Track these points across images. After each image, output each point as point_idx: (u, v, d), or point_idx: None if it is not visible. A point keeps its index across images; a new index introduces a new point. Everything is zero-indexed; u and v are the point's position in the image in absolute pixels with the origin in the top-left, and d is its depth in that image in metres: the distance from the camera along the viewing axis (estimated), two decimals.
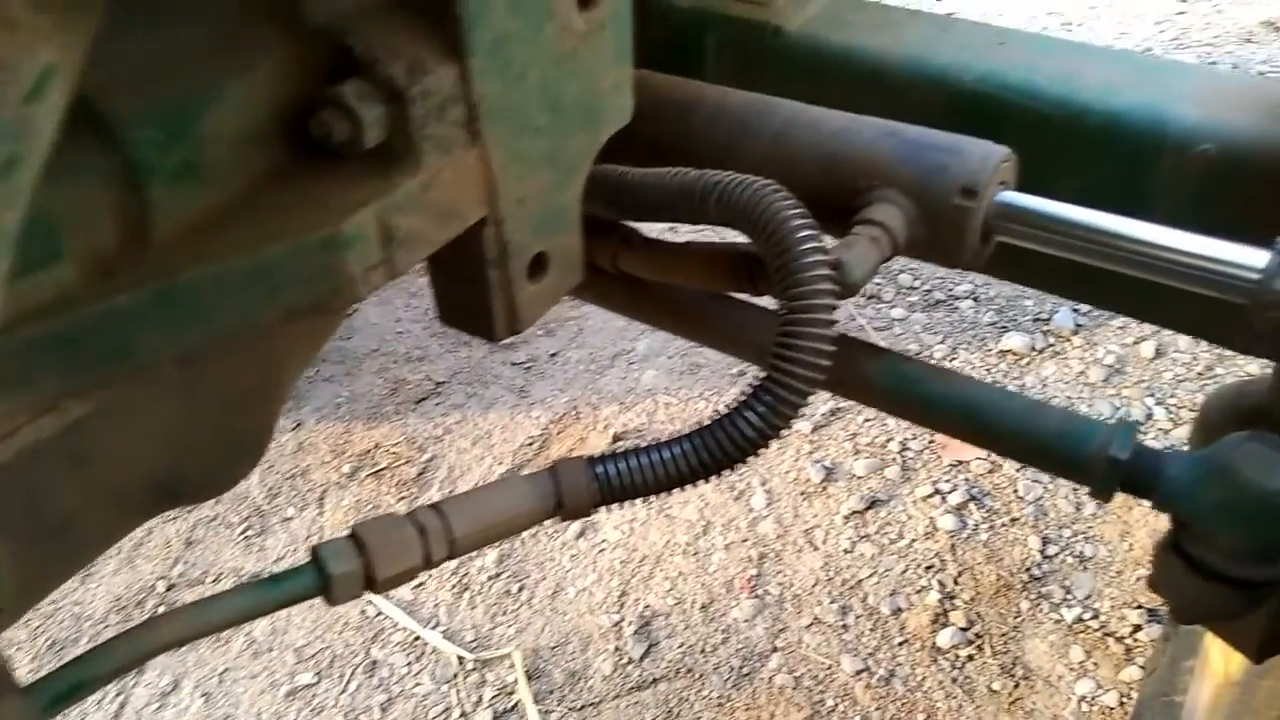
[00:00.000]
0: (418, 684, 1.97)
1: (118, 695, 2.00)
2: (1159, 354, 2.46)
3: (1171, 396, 2.36)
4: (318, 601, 0.69)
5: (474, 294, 0.77)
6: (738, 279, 0.87)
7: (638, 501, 0.78)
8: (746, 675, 1.93)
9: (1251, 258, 0.72)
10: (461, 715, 1.92)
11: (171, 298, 0.58)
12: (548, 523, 0.92)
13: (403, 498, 2.30)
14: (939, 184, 0.80)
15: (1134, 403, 2.36)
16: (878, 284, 2.76)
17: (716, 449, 0.75)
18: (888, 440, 2.34)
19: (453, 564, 2.13)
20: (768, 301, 0.84)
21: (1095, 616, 1.96)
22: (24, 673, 1.95)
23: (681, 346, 2.61)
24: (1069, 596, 2.00)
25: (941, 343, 2.57)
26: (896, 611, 2.01)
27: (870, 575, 2.08)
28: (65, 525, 0.71)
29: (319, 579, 0.66)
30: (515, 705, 1.93)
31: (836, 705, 1.88)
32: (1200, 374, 2.40)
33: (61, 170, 0.50)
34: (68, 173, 0.54)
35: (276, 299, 0.62)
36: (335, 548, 0.68)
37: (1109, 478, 0.79)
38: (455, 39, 0.63)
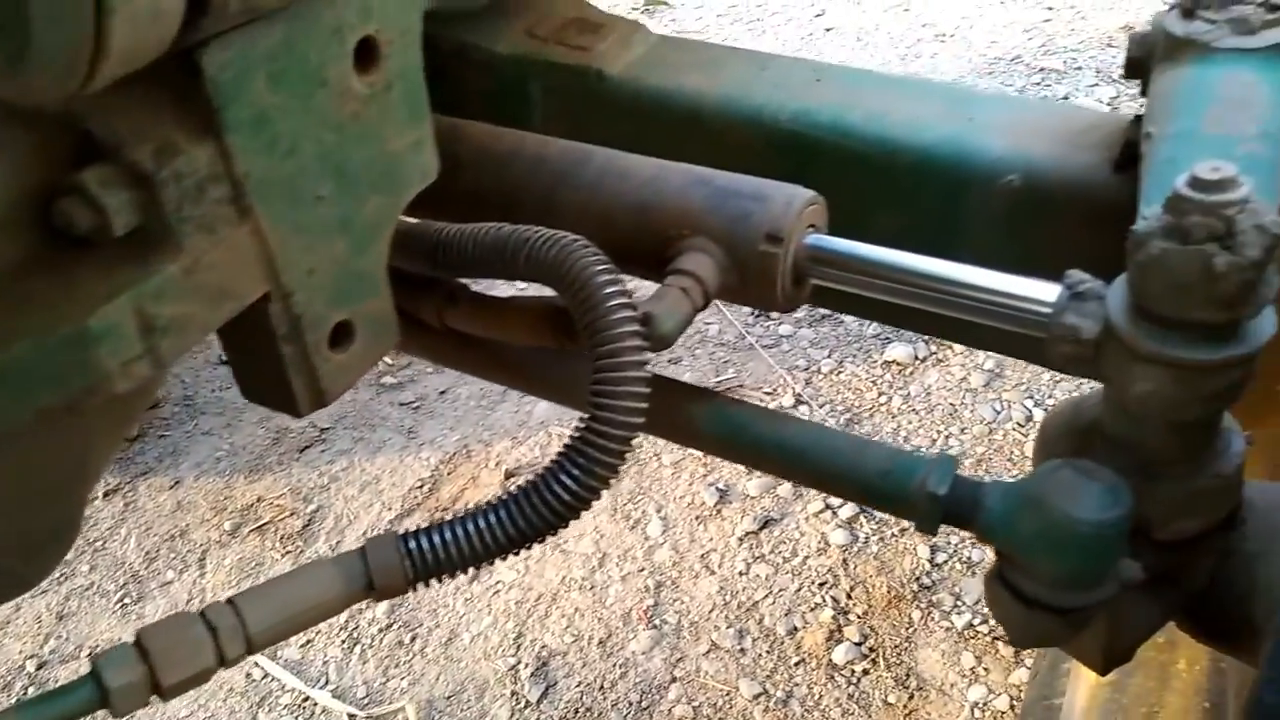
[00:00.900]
0: None
1: None
2: None
3: (1050, 397, 2.43)
4: None
5: (270, 370, 0.74)
6: (557, 334, 0.86)
7: None
8: (645, 709, 1.91)
9: (1044, 292, 0.73)
10: None
11: None
12: None
13: (288, 553, 2.22)
14: (745, 231, 0.80)
15: (1014, 405, 2.42)
16: None
17: (535, 516, 0.73)
18: None
19: (341, 617, 2.07)
20: None
21: (985, 621, 1.99)
22: None
23: None
24: (959, 603, 2.03)
25: (828, 356, 2.60)
26: (792, 631, 2.01)
27: (766, 596, 2.08)
28: None
29: (97, 692, 0.62)
30: None
31: None
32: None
33: None
34: None
35: (24, 400, 0.58)
36: (115, 656, 0.63)
37: (931, 513, 0.79)
38: (208, 118, 0.60)
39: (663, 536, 2.21)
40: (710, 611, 2.07)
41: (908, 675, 1.93)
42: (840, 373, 2.55)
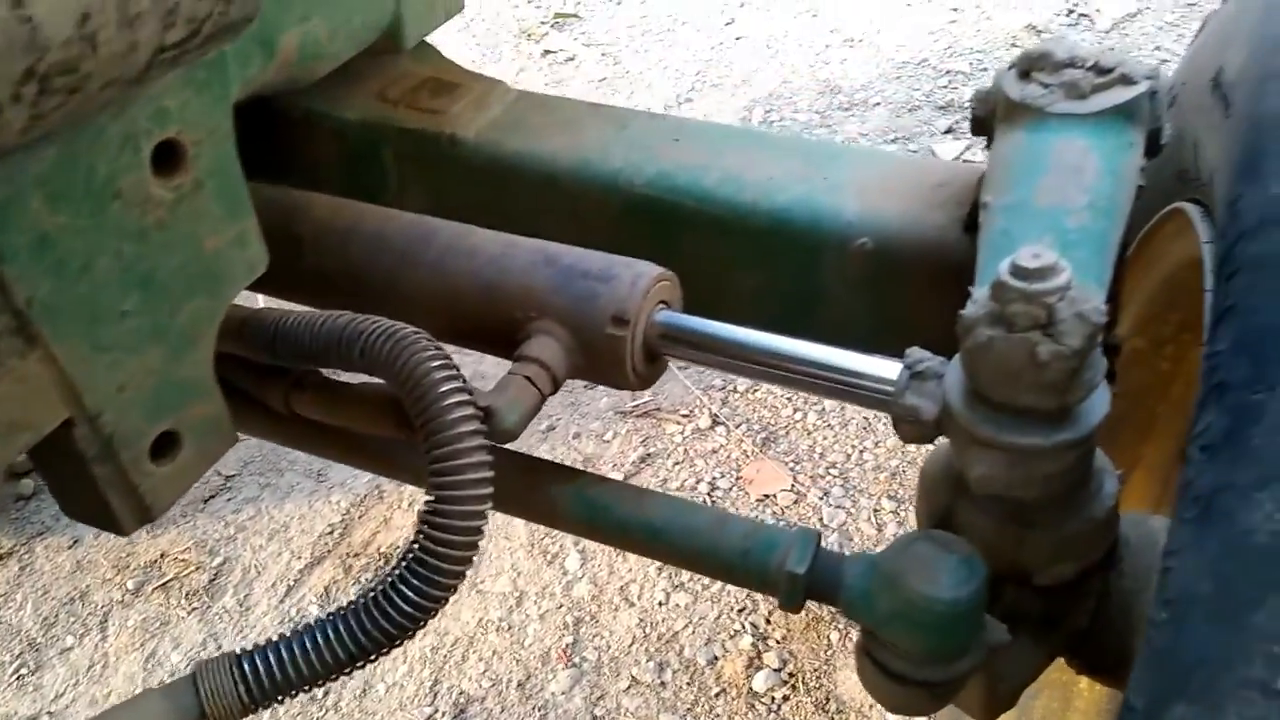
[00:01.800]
0: None
1: None
2: None
3: None
4: None
5: (87, 490, 0.70)
6: (399, 424, 0.83)
7: None
8: None
9: (887, 371, 0.72)
10: None
11: None
12: None
13: (194, 609, 2.15)
14: (591, 314, 0.77)
15: None
16: None
17: (375, 630, 0.70)
18: (697, 482, 2.34)
19: None
20: None
21: None
22: None
23: None
24: None
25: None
26: (712, 660, 2.00)
27: (685, 626, 2.07)
28: None
29: None
30: None
31: None
32: None
33: None
34: None
35: None
36: None
37: (792, 593, 0.78)
38: None
39: (581, 570, 2.19)
40: (630, 645, 2.04)
41: (827, 699, 1.93)
42: (756, 390, 2.55)
